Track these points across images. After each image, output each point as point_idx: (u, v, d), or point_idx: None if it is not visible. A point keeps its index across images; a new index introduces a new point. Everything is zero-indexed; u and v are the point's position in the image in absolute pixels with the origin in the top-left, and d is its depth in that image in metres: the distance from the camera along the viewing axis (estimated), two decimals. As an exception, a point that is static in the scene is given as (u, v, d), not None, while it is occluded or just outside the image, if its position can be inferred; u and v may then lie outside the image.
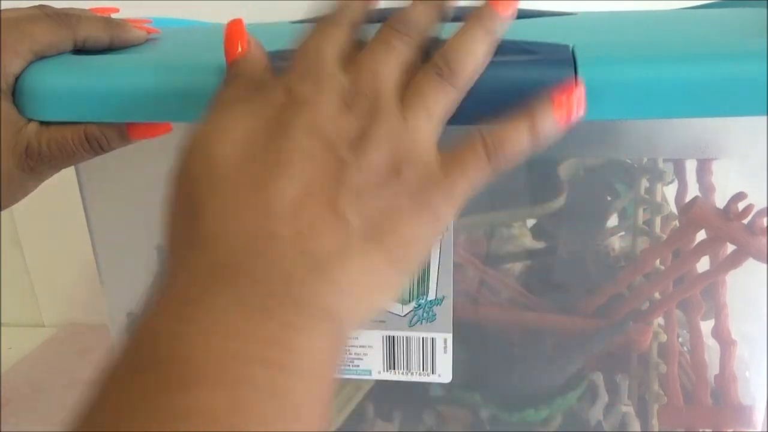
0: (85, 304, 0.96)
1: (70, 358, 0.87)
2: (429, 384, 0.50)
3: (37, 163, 0.38)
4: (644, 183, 0.46)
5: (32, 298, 0.96)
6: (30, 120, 0.38)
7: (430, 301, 0.46)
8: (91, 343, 0.89)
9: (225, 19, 0.34)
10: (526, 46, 0.34)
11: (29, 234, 0.93)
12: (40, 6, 0.39)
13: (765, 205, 0.42)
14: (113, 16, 0.43)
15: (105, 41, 0.40)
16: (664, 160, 0.45)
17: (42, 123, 0.38)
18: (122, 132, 0.38)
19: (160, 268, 0.52)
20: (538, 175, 0.46)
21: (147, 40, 0.43)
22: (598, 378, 0.48)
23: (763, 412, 0.46)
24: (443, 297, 0.45)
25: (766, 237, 0.42)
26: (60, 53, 0.39)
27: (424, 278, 0.45)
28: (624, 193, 0.49)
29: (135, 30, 0.41)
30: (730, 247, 0.44)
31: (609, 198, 0.49)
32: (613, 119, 0.33)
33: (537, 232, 0.51)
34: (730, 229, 0.43)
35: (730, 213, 0.42)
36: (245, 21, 0.35)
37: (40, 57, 0.38)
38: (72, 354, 0.88)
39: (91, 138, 0.38)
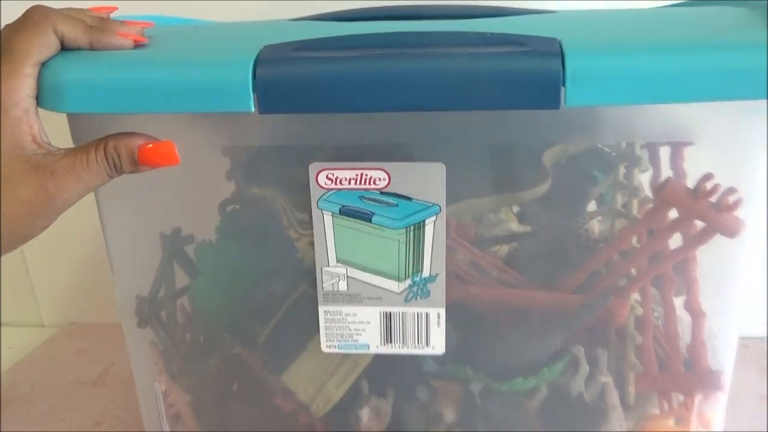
0: (85, 304, 0.96)
1: (70, 358, 0.87)
2: (423, 359, 0.52)
3: (59, 190, 0.39)
4: (622, 169, 0.50)
5: (32, 298, 0.96)
6: (48, 151, 0.39)
7: (425, 278, 0.48)
8: (91, 343, 0.90)
9: (225, 19, 0.34)
10: (517, 39, 0.37)
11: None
12: (28, 10, 0.40)
13: (730, 185, 0.45)
14: (113, 15, 0.45)
15: (84, 42, 0.41)
16: (641, 147, 0.48)
17: (64, 151, 0.40)
18: (133, 157, 0.40)
19: (165, 253, 0.54)
20: (523, 163, 0.49)
21: (149, 38, 0.44)
22: (579, 351, 0.50)
23: (730, 377, 0.49)
24: (436, 274, 0.48)
25: (731, 214, 0.45)
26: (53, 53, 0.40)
27: (418, 258, 0.48)
28: (602, 179, 0.52)
29: (118, 38, 0.42)
30: (700, 226, 0.47)
31: (588, 184, 0.52)
32: (599, 105, 0.36)
33: (522, 217, 0.54)
34: (699, 207, 0.46)
35: (699, 192, 0.46)
36: (245, 20, 0.36)
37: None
38: (72, 354, 0.88)
39: (109, 156, 0.40)
